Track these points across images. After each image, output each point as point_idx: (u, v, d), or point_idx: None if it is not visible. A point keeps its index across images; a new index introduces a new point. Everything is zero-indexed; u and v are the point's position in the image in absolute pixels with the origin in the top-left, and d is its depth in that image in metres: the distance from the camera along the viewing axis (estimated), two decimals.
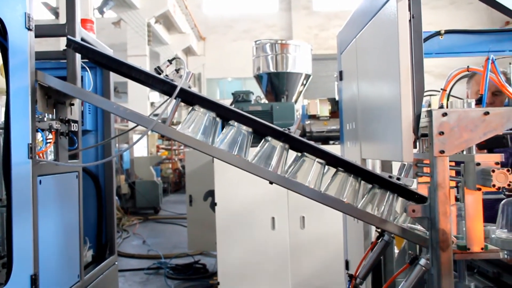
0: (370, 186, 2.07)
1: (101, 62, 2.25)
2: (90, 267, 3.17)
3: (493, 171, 1.68)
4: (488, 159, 1.76)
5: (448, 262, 1.75)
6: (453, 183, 2.03)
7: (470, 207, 1.81)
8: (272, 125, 2.08)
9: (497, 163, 1.74)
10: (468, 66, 2.25)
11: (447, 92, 2.37)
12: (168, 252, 8.80)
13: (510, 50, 2.72)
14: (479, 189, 1.77)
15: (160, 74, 2.18)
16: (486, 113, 1.74)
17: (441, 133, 1.74)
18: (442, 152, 1.74)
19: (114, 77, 3.34)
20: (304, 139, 2.07)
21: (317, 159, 2.03)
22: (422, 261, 1.88)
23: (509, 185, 1.67)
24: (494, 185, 1.68)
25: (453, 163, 2.00)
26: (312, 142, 2.09)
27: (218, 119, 2.15)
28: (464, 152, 1.90)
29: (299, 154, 2.08)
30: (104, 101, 2.24)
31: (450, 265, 1.75)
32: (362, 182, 2.07)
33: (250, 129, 2.07)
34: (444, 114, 1.75)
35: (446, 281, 1.74)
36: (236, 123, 2.08)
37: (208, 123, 2.11)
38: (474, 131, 1.74)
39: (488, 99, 3.12)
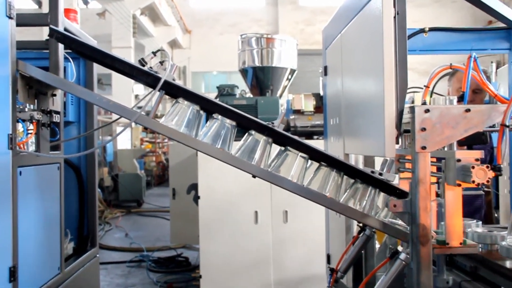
0: (352, 181, 2.09)
1: (85, 53, 2.23)
2: (71, 259, 3.15)
3: (473, 167, 1.70)
4: (469, 156, 1.78)
5: (428, 257, 1.77)
6: (434, 179, 2.05)
7: (450, 202, 1.83)
8: (256, 119, 2.07)
9: (477, 160, 1.76)
10: (451, 64, 2.27)
11: (430, 89, 2.39)
12: (150, 245, 8.78)
13: (492, 48, 2.76)
14: (459, 185, 1.79)
15: (144, 66, 2.17)
16: (468, 110, 1.76)
17: (423, 129, 1.75)
18: (423, 148, 1.76)
19: (98, 69, 3.32)
20: (288, 133, 2.08)
21: (300, 153, 2.04)
22: (402, 256, 1.90)
23: (488, 181, 1.70)
24: (473, 181, 1.70)
25: (434, 159, 2.02)
26: (295, 137, 2.10)
27: (202, 112, 2.14)
28: (445, 149, 1.92)
29: (283, 148, 2.08)
30: (87, 92, 2.22)
31: (429, 260, 1.77)
32: (345, 176, 2.08)
33: (234, 123, 2.07)
34: (427, 111, 1.76)
35: (425, 275, 1.76)
36: (220, 117, 2.08)
37: (192, 116, 2.10)
38: (456, 128, 1.76)
39: (468, 97, 3.14)
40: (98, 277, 3.68)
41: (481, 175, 1.70)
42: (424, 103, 2.02)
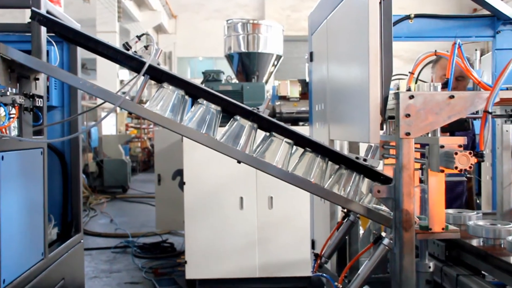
0: (337, 166, 2.09)
1: (68, 36, 2.20)
2: (55, 245, 3.13)
3: (456, 153, 1.71)
4: (452, 142, 1.79)
5: (410, 242, 1.79)
6: (417, 165, 2.07)
7: (433, 188, 1.85)
8: (241, 104, 2.07)
9: (460, 146, 1.78)
10: (435, 50, 2.28)
11: (415, 75, 2.40)
12: (135, 231, 8.76)
13: (477, 36, 2.77)
14: (442, 171, 1.81)
15: (128, 50, 2.15)
16: (451, 97, 1.77)
17: (408, 115, 1.76)
18: (408, 134, 1.77)
19: (82, 54, 3.27)
20: (273, 119, 2.08)
21: (285, 139, 2.04)
22: (386, 241, 1.92)
23: (470, 167, 1.71)
24: (456, 167, 1.71)
25: (418, 146, 2.03)
26: (281, 123, 2.09)
27: (187, 97, 2.13)
28: (429, 135, 1.93)
29: (268, 134, 2.08)
30: (70, 76, 2.19)
31: (412, 245, 1.79)
32: (330, 162, 2.09)
33: (219, 108, 2.06)
34: (411, 97, 1.77)
35: (407, 260, 1.79)
36: (205, 102, 2.07)
37: (176, 101, 2.09)
38: (439, 114, 1.77)
39: (452, 84, 3.17)
40: (83, 262, 3.67)
41: (464, 161, 1.72)
42: (409, 90, 2.03)
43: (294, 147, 2.08)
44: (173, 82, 2.09)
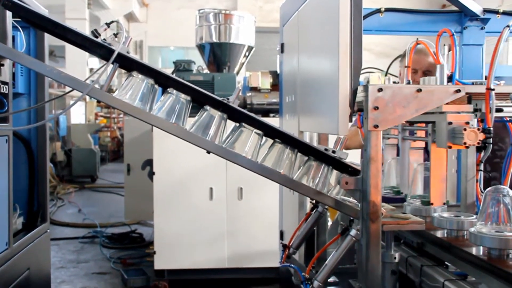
0: (306, 158, 2.10)
1: (34, 22, 2.14)
2: (20, 234, 3.08)
3: (465, 129, 1.74)
4: (460, 119, 1.82)
5: (377, 233, 1.81)
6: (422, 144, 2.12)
7: (436, 165, 1.93)
8: (211, 94, 2.05)
9: (467, 123, 1.80)
10: (417, 39, 2.30)
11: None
12: (104, 221, 8.69)
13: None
14: (450, 147, 1.84)
15: (97, 37, 2.11)
16: (419, 90, 1.80)
17: (376, 108, 1.78)
18: (376, 126, 1.78)
19: (51, 40, 3.20)
20: (243, 110, 2.07)
21: (255, 130, 2.04)
22: (353, 232, 1.93)
23: (478, 143, 1.75)
24: (465, 143, 1.74)
25: (423, 125, 2.08)
26: (251, 113, 2.09)
27: (156, 86, 2.10)
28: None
29: (237, 124, 2.07)
30: (37, 63, 2.14)
31: (378, 236, 1.82)
32: (299, 154, 2.10)
33: (188, 98, 2.05)
34: (380, 90, 1.79)
35: (374, 250, 1.81)
36: (174, 91, 2.05)
37: (146, 90, 2.06)
38: (407, 107, 1.79)
39: (419, 78, 3.23)
40: (49, 252, 3.62)
41: (472, 137, 1.74)
42: (408, 83, 2.06)
43: (264, 138, 2.08)
44: (143, 71, 2.06)
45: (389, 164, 2.39)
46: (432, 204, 1.92)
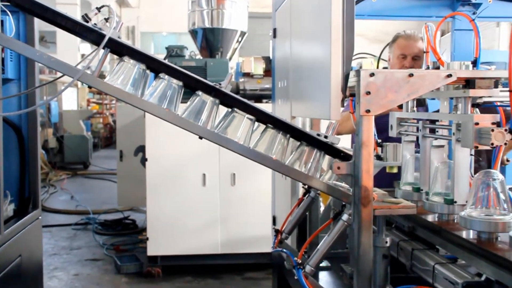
0: (298, 143, 2.11)
1: (24, 6, 2.11)
2: (11, 221, 3.07)
3: (493, 130, 1.74)
4: (486, 120, 1.82)
5: (368, 218, 1.82)
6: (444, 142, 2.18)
7: (460, 163, 1.98)
8: (203, 79, 2.05)
9: (493, 123, 1.81)
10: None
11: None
12: (97, 208, 8.68)
13: (437, 16, 2.81)
14: (477, 147, 1.84)
15: (88, 22, 2.09)
16: (411, 75, 1.80)
17: (368, 92, 1.78)
18: (368, 111, 1.79)
19: (42, 26, 3.17)
20: (235, 95, 2.07)
21: (247, 115, 2.03)
22: (345, 217, 1.94)
23: (506, 143, 1.76)
24: (492, 144, 1.75)
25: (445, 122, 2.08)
26: (243, 99, 2.09)
27: (148, 71, 2.09)
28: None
29: (230, 110, 2.07)
30: (26, 48, 2.12)
31: (370, 220, 1.83)
32: (291, 139, 2.10)
33: (180, 83, 2.04)
34: (372, 75, 1.78)
35: (365, 235, 1.82)
36: (166, 76, 2.04)
37: (138, 76, 2.05)
38: (399, 92, 1.80)
39: (408, 63, 3.23)
40: (41, 239, 3.62)
41: (500, 137, 1.75)
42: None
43: (256, 123, 2.08)
44: (134, 56, 2.05)
45: (408, 160, 2.39)
46: (455, 202, 1.97)
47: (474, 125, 1.80)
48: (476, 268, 1.74)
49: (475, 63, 1.99)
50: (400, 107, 2.21)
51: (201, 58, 6.10)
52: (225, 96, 2.04)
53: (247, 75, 5.65)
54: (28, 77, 3.37)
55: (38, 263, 3.50)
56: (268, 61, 5.61)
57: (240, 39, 6.20)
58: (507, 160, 2.70)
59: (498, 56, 6.42)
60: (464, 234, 1.84)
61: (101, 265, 6.04)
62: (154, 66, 2.06)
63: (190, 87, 2.06)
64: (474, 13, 2.75)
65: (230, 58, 6.20)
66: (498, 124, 1.81)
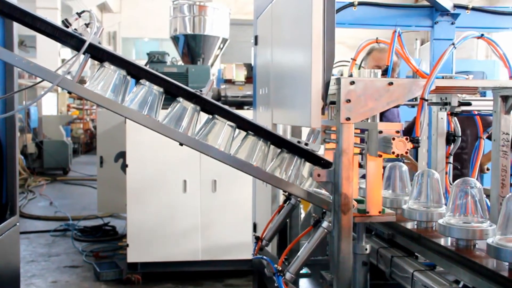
0: (279, 150, 2.11)
1: (2, 10, 2.09)
2: None
3: (393, 139, 1.76)
4: (390, 128, 1.84)
5: (348, 225, 1.83)
6: (357, 150, 2.11)
7: (371, 173, 1.90)
8: (183, 86, 2.04)
9: (397, 132, 1.82)
10: (377, 38, 2.33)
11: (357, 62, 2.46)
12: (76, 214, 8.58)
13: (416, 25, 2.85)
14: (380, 156, 1.85)
15: (68, 27, 2.07)
16: (390, 84, 1.81)
17: (348, 100, 1.79)
18: (348, 119, 1.80)
19: (21, 30, 3.13)
20: (216, 102, 2.06)
21: (228, 122, 2.03)
22: (325, 224, 1.95)
23: (406, 152, 1.77)
24: (393, 152, 1.76)
25: (358, 131, 2.08)
26: (224, 105, 2.09)
27: (129, 77, 2.08)
28: (369, 120, 1.98)
29: (211, 116, 2.07)
30: (4, 52, 2.09)
31: (350, 228, 1.84)
32: (272, 146, 2.10)
33: (161, 89, 2.03)
34: (352, 83, 1.80)
35: (345, 242, 1.83)
36: (147, 83, 2.03)
37: (118, 81, 2.03)
38: (379, 100, 1.81)
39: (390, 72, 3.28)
40: (18, 246, 3.56)
41: (401, 146, 1.76)
42: (350, 76, 2.07)
43: (237, 130, 2.08)
44: (115, 61, 2.03)
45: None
46: (368, 213, 1.92)
47: (378, 133, 1.82)
48: (454, 275, 1.76)
49: (386, 71, 2.02)
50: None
51: (183, 64, 6.09)
52: (206, 103, 2.04)
53: (229, 81, 5.66)
54: (6, 81, 3.32)
55: (15, 270, 3.45)
56: (249, 68, 5.63)
57: (222, 46, 6.21)
58: (487, 169, 2.74)
59: (477, 66, 6.54)
60: (442, 242, 1.86)
61: (80, 272, 5.96)
62: (135, 72, 2.05)
63: (171, 93, 2.05)
64: (452, 23, 2.79)
65: (212, 65, 6.20)
66: (403, 133, 1.82)
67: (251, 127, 2.08)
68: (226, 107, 2.07)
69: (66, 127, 16.45)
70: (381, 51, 3.39)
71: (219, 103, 2.06)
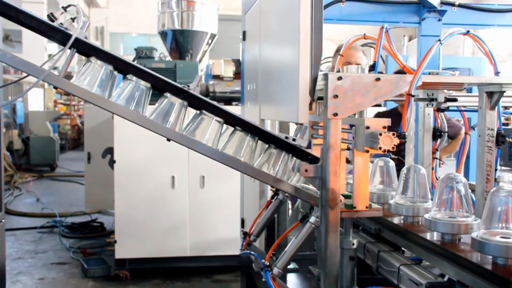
0: (266, 146, 2.11)
1: None
2: None
3: (380, 134, 1.76)
4: (377, 123, 1.85)
5: (336, 220, 1.84)
6: (344, 146, 2.12)
7: (358, 168, 1.90)
8: (171, 81, 2.04)
9: (384, 127, 1.83)
10: (364, 34, 2.34)
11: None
12: (64, 211, 8.52)
13: (404, 21, 2.87)
14: (367, 151, 1.86)
15: (53, 21, 2.05)
16: (378, 79, 1.82)
17: (335, 96, 1.80)
18: (335, 114, 1.81)
19: (7, 24, 3.10)
20: (203, 97, 2.06)
21: (215, 117, 2.03)
22: (312, 219, 1.96)
23: (393, 148, 1.77)
24: (380, 148, 1.77)
25: (345, 126, 2.09)
26: (212, 101, 2.08)
27: (116, 73, 2.07)
28: (356, 116, 1.99)
29: (198, 112, 2.06)
30: None
31: (337, 223, 1.84)
32: (259, 142, 2.11)
33: (148, 84, 2.02)
34: (339, 78, 1.80)
35: (332, 237, 1.84)
36: (134, 78, 2.02)
37: (105, 77, 2.02)
38: (366, 96, 1.82)
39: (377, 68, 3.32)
40: (4, 243, 3.53)
41: (388, 142, 1.77)
42: (338, 71, 2.08)
43: (225, 125, 2.08)
44: (101, 56, 2.02)
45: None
46: (355, 208, 1.92)
47: (365, 129, 1.83)
48: (440, 269, 1.78)
49: (373, 67, 2.03)
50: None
51: (171, 60, 6.07)
52: (193, 98, 2.03)
53: (217, 77, 5.64)
54: None
55: (1, 268, 3.42)
56: (238, 63, 5.62)
57: (210, 41, 6.19)
58: (442, 163, 2.77)
59: (463, 62, 6.58)
60: (428, 236, 1.88)
61: (68, 268, 5.93)
62: (122, 67, 2.04)
63: (159, 89, 2.05)
64: (439, 20, 2.81)
65: (200, 60, 6.18)
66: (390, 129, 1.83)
67: (238, 122, 2.08)
68: (215, 102, 2.07)
69: (53, 123, 16.34)
70: (351, 49, 3.50)
71: (206, 99, 2.06)
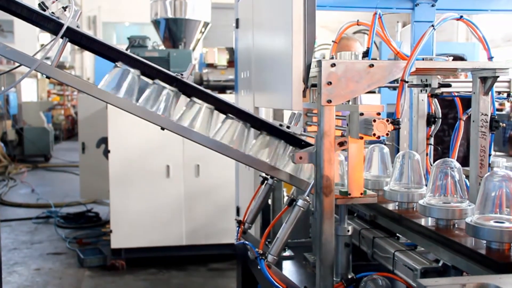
0: (259, 132, 2.11)
1: None
2: None
3: (374, 120, 1.76)
4: (371, 110, 1.84)
5: (330, 207, 1.84)
6: (339, 132, 2.12)
7: (352, 155, 1.90)
8: (162, 69, 2.03)
9: (378, 114, 1.83)
10: (357, 20, 2.33)
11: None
12: (59, 201, 8.51)
13: (397, 7, 2.85)
14: (362, 138, 1.86)
15: (45, 10, 2.03)
16: (371, 66, 1.81)
17: (329, 83, 1.79)
18: (329, 101, 1.80)
19: None
20: (196, 85, 2.05)
21: (206, 104, 2.02)
22: (300, 202, 1.92)
23: (387, 134, 1.77)
24: (374, 134, 1.76)
25: (339, 113, 2.08)
26: (206, 89, 2.07)
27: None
28: (350, 102, 1.98)
29: (190, 100, 2.05)
30: None
31: (332, 209, 1.84)
32: (252, 129, 2.10)
33: (138, 72, 2.01)
34: (333, 65, 1.79)
35: (327, 224, 1.84)
36: (124, 65, 2.01)
37: None
38: (359, 82, 1.81)
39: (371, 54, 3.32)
40: None
41: (382, 128, 1.76)
42: (332, 58, 2.07)
43: (218, 113, 2.07)
44: (93, 45, 2.01)
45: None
46: (350, 194, 1.91)
47: (359, 115, 1.82)
48: (434, 254, 1.79)
49: (367, 53, 2.02)
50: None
51: (164, 48, 6.04)
52: (187, 87, 2.02)
53: (211, 66, 5.63)
54: None
55: None
56: (231, 52, 5.60)
57: (203, 30, 6.16)
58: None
59: (457, 48, 6.58)
60: (423, 222, 1.88)
61: (64, 259, 5.94)
62: (113, 55, 2.03)
63: (151, 77, 2.04)
64: (433, 5, 2.80)
65: (194, 49, 6.16)
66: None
67: (230, 109, 2.07)
68: (207, 90, 2.06)
69: (46, 113, 16.25)
70: (349, 40, 3.47)
71: (199, 87, 2.06)
